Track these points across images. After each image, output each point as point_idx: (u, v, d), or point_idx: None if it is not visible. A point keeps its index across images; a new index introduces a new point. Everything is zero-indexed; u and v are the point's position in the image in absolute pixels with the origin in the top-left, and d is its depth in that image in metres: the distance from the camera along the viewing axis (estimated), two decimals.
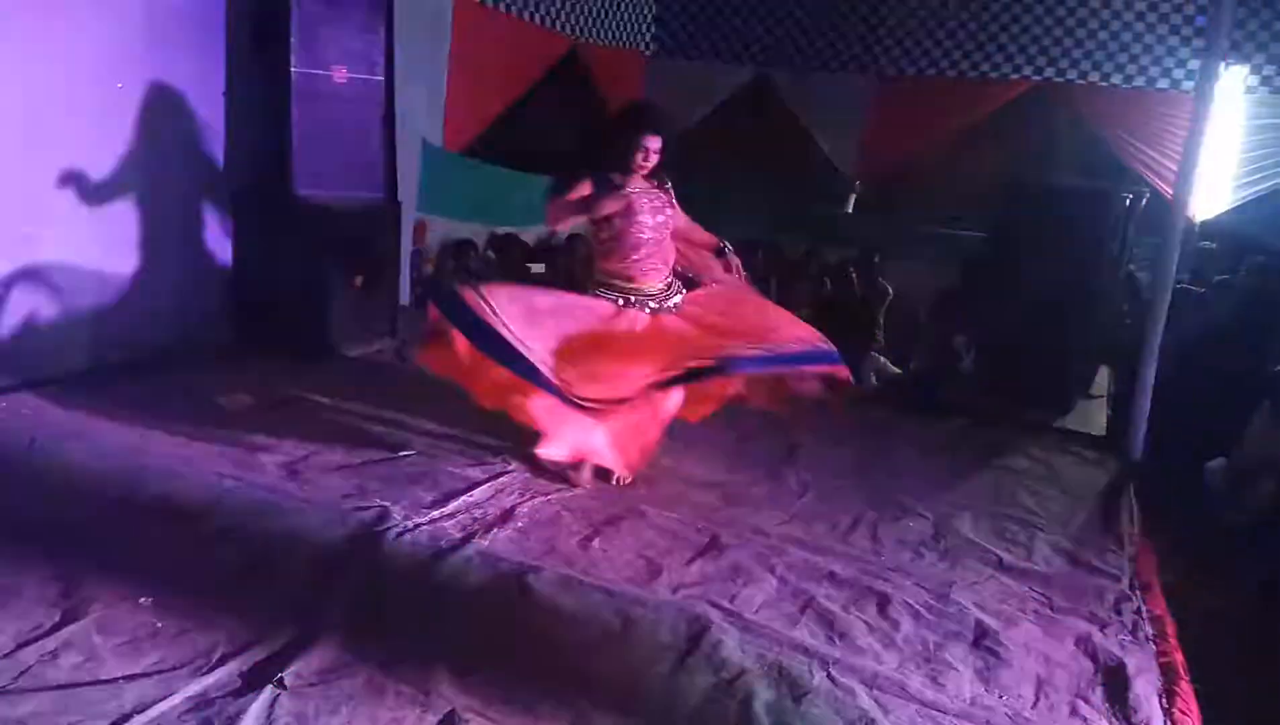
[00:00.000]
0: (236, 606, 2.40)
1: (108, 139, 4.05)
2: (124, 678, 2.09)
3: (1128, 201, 5.07)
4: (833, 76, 8.30)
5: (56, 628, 2.24)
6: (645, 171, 3.40)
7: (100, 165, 4.05)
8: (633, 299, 3.39)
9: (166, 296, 4.43)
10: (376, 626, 2.40)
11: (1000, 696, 2.34)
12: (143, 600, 2.38)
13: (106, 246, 4.10)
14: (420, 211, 6.15)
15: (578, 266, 7.45)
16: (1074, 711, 2.31)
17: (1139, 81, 7.29)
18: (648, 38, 8.82)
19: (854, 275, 7.43)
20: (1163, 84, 7.20)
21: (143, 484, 3.08)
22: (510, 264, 6.81)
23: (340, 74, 4.65)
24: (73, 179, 3.97)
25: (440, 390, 4.38)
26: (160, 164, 4.27)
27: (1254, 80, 6.91)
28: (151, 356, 4.37)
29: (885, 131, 8.08)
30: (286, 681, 2.11)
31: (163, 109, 4.24)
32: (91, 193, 4.03)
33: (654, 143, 3.33)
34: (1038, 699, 2.34)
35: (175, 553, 2.66)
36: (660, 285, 3.45)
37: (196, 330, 4.60)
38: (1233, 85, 6.83)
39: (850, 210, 8.58)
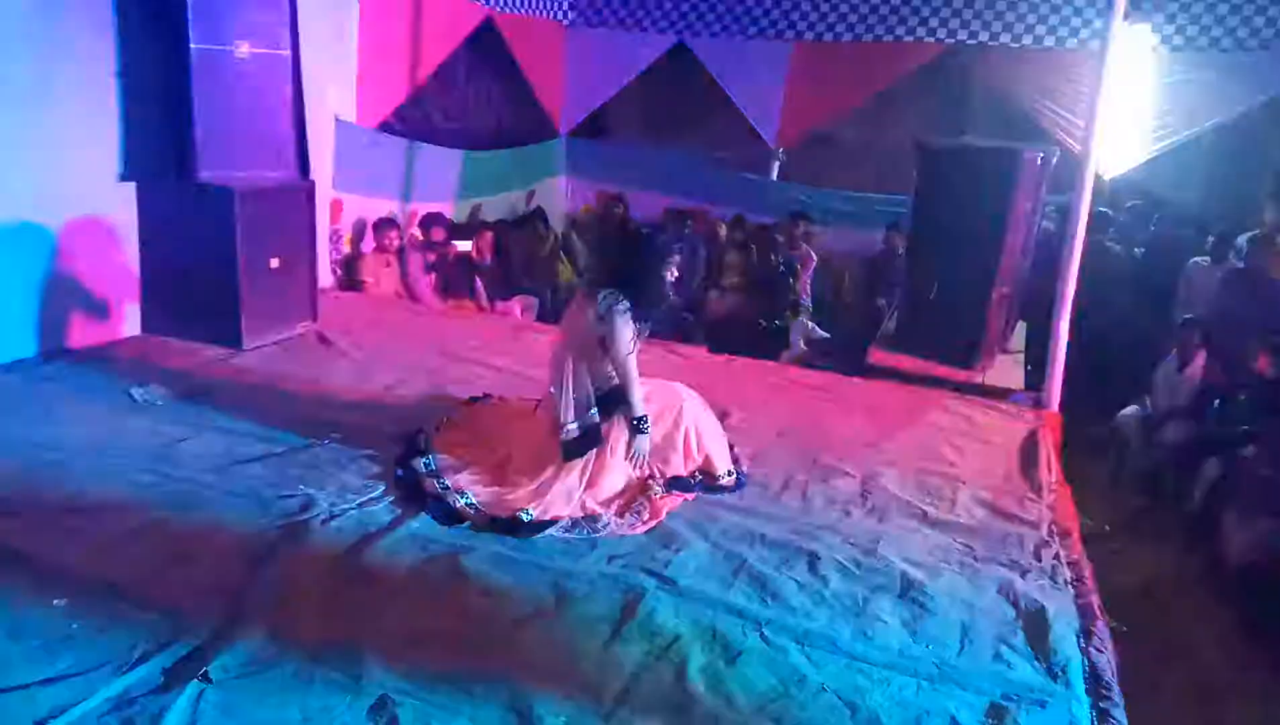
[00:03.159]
0: (157, 603, 2.33)
1: None
2: (38, 683, 2.01)
3: (1039, 160, 5.19)
4: (751, 43, 8.30)
5: None
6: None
7: None
8: None
9: (70, 288, 4.23)
10: (304, 615, 2.36)
11: (927, 646, 2.41)
12: (56, 602, 2.30)
13: (2, 239, 3.89)
14: (335, 189, 5.99)
15: (521, 244, 7.39)
16: (997, 656, 2.39)
17: (1048, 42, 7.46)
18: (565, 6, 8.68)
19: (779, 242, 7.51)
20: (1071, 43, 7.38)
21: (54, 482, 2.96)
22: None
23: (242, 49, 4.47)
24: None
25: (364, 373, 4.32)
26: (53, 150, 4.05)
27: (1155, 39, 7.12)
28: (58, 350, 4.19)
29: (804, 97, 8.13)
30: (211, 675, 2.06)
31: (51, 92, 4.02)
32: None
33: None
34: (962, 646, 2.43)
35: (90, 551, 2.56)
36: None
37: (104, 321, 4.42)
38: (1134, 44, 7.03)
39: (774, 177, 8.63)
